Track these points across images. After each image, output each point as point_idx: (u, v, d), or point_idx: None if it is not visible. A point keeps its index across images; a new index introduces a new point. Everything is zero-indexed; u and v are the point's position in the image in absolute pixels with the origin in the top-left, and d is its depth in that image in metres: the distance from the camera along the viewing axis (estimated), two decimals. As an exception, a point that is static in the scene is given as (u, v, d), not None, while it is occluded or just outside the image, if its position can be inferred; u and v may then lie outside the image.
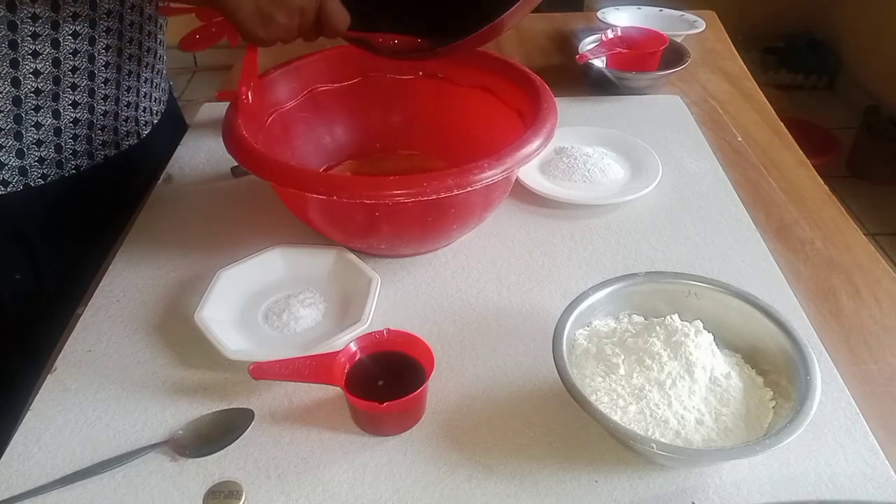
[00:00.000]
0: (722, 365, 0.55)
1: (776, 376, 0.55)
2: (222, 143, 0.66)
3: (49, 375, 0.60)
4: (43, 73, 0.71)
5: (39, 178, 0.76)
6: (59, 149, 0.76)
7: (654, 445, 0.48)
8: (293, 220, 0.73)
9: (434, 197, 0.59)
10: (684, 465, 0.53)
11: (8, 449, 0.55)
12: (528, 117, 0.70)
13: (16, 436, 0.56)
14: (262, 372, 0.54)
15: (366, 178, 0.63)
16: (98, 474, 0.52)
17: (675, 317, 0.57)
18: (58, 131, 0.75)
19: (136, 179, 0.87)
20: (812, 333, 0.63)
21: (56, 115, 0.74)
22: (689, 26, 1.20)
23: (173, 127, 0.98)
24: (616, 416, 0.52)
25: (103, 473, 0.52)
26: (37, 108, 0.73)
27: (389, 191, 0.58)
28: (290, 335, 0.63)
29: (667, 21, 1.21)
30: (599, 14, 1.22)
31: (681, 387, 0.52)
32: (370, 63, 0.82)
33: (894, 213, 2.19)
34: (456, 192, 0.59)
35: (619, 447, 0.54)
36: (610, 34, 1.08)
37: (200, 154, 0.91)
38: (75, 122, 0.76)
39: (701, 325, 0.56)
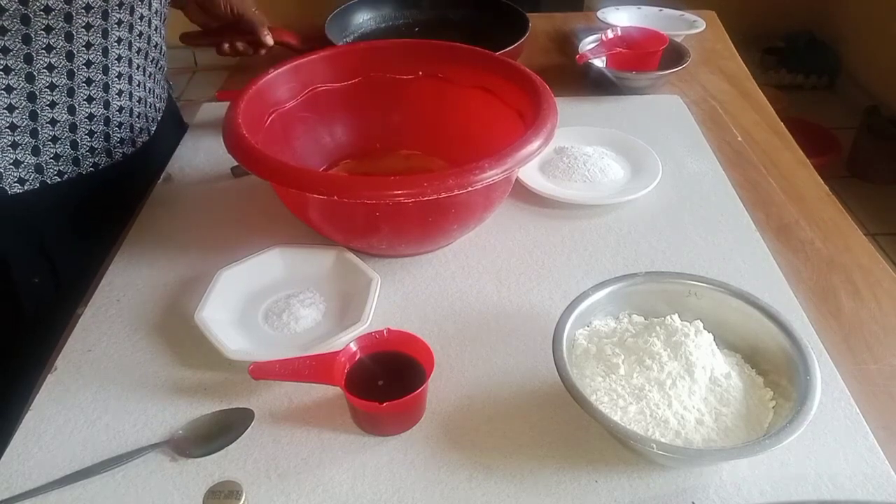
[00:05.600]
0: (722, 365, 0.55)
1: (776, 376, 0.55)
2: (222, 143, 0.66)
3: (49, 375, 0.61)
4: (57, 68, 0.71)
5: (56, 175, 0.76)
6: (74, 145, 0.76)
7: (654, 445, 0.48)
8: (293, 220, 0.73)
9: (434, 197, 0.59)
10: (684, 465, 0.53)
11: (8, 449, 0.55)
12: (528, 117, 0.70)
13: (16, 436, 0.56)
14: (262, 372, 0.54)
15: (366, 178, 0.63)
16: (98, 474, 0.52)
17: (675, 317, 0.57)
18: (73, 127, 0.75)
19: (145, 177, 0.87)
20: (812, 333, 0.63)
21: (71, 110, 0.74)
22: (689, 26, 1.20)
23: (174, 124, 0.98)
24: (616, 416, 0.52)
25: (103, 473, 0.52)
26: (52, 104, 0.72)
27: (390, 191, 0.58)
28: (290, 335, 0.63)
29: (667, 21, 1.21)
30: (599, 14, 1.22)
31: (681, 387, 0.53)
32: (370, 63, 0.82)
33: (894, 213, 2.19)
34: (456, 193, 0.59)
35: (619, 447, 0.54)
36: (610, 34, 1.08)
37: (200, 154, 0.91)
38: (91, 117, 0.76)
39: (701, 325, 0.56)
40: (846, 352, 0.63)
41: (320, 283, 0.68)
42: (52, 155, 0.75)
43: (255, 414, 0.56)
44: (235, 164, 0.84)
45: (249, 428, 0.55)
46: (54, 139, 0.74)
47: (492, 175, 0.60)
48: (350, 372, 0.55)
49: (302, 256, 0.70)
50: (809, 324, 0.64)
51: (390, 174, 0.58)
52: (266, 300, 0.67)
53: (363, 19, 1.18)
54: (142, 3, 0.78)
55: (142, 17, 0.79)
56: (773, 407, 0.53)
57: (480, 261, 0.73)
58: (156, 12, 0.82)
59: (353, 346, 0.56)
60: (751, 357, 0.57)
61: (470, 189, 0.59)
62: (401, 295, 0.69)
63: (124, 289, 0.70)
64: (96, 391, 0.59)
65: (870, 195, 2.25)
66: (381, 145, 0.86)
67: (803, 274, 0.71)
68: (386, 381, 0.55)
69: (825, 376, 0.55)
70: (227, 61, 1.11)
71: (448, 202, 0.63)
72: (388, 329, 0.57)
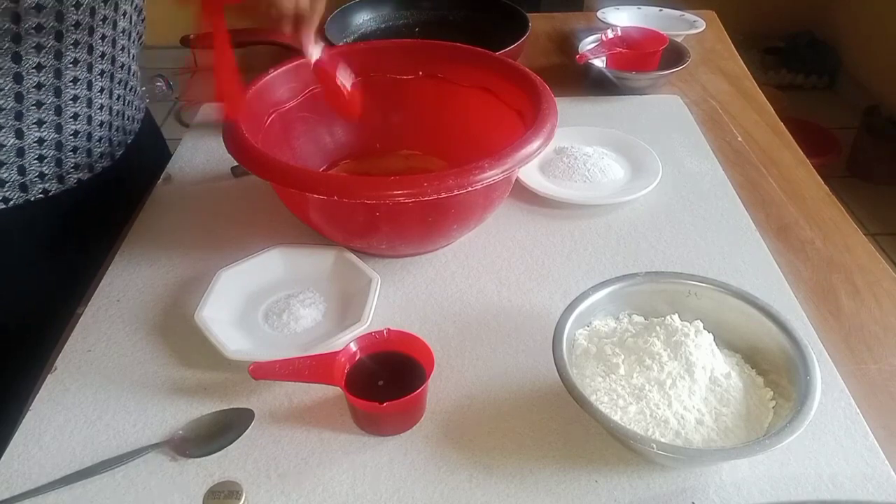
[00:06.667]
0: (722, 365, 0.55)
1: (776, 376, 0.55)
2: (222, 143, 0.66)
3: (49, 375, 0.61)
4: (4, 90, 0.67)
5: (0, 201, 0.72)
6: (22, 171, 0.72)
7: (654, 445, 0.48)
8: (293, 220, 0.73)
9: (434, 197, 0.59)
10: (684, 465, 0.53)
11: (8, 449, 0.55)
12: (528, 117, 0.70)
13: (16, 436, 0.56)
14: (262, 372, 0.54)
15: (366, 178, 0.63)
16: (98, 474, 0.52)
17: (675, 317, 0.57)
18: (21, 152, 0.71)
19: (110, 203, 0.83)
20: (812, 333, 0.63)
21: (19, 134, 0.70)
22: (689, 26, 1.20)
23: (153, 147, 0.94)
24: (616, 416, 0.52)
25: (103, 473, 0.52)
26: None
27: (389, 191, 0.58)
28: (290, 335, 0.63)
29: (667, 21, 1.21)
30: (599, 14, 1.22)
31: (681, 387, 0.53)
32: (370, 63, 0.82)
33: (894, 213, 2.19)
34: (456, 193, 0.59)
35: (619, 447, 0.54)
36: (610, 34, 1.08)
37: (200, 154, 0.91)
38: (40, 142, 0.72)
39: (701, 325, 0.56)
40: (846, 352, 0.63)
41: (320, 283, 0.68)
42: None
43: (255, 414, 0.56)
44: (235, 164, 0.85)
45: (249, 428, 0.55)
46: (0, 164, 0.70)
47: (492, 175, 0.60)
48: (350, 372, 0.55)
49: (302, 256, 0.70)
50: (809, 324, 0.64)
51: (390, 174, 0.59)
52: (266, 300, 0.67)
53: (363, 20, 1.18)
54: (104, 24, 0.73)
55: (104, 38, 0.74)
56: (773, 407, 0.53)
57: (480, 261, 0.73)
58: (122, 31, 0.77)
59: (353, 346, 0.56)
60: (751, 357, 0.57)
61: (470, 189, 0.59)
62: (401, 295, 0.69)
63: (124, 289, 0.70)
64: (96, 391, 0.59)
65: (870, 195, 2.24)
66: (381, 145, 0.86)
67: (803, 274, 0.71)
68: (386, 381, 0.55)
69: (825, 376, 0.55)
70: (226, 61, 1.10)
71: (448, 202, 0.63)
72: (388, 329, 0.57)
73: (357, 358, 0.56)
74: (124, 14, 0.77)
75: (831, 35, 2.85)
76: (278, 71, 0.77)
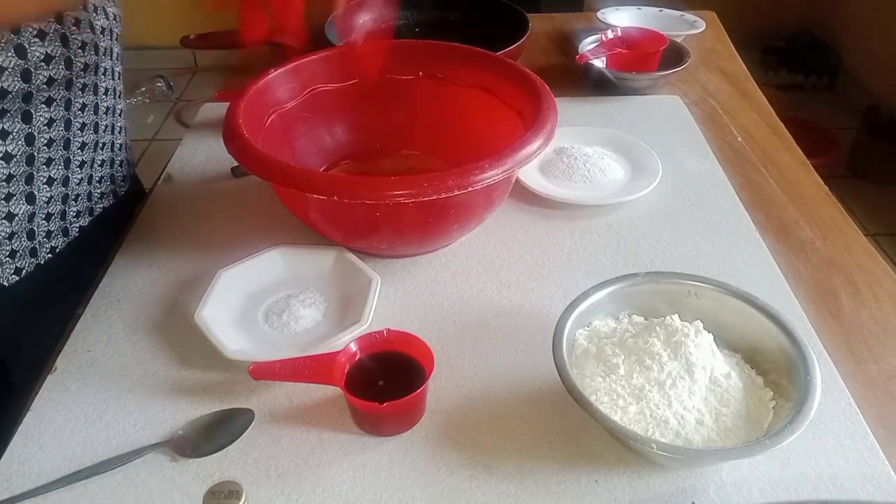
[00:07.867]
0: (722, 365, 0.55)
1: (776, 376, 0.55)
2: (222, 143, 0.66)
3: (49, 375, 0.60)
4: (16, 156, 0.63)
5: (13, 273, 0.68)
6: (31, 235, 0.68)
7: (654, 445, 0.48)
8: (293, 220, 0.73)
9: (434, 197, 0.59)
10: (684, 465, 0.53)
11: (8, 449, 0.55)
12: (528, 117, 0.70)
13: (16, 436, 0.56)
14: (262, 372, 0.54)
15: (366, 179, 0.63)
16: (98, 474, 0.52)
17: (675, 317, 0.57)
18: (31, 217, 0.67)
19: (113, 240, 0.77)
20: (812, 333, 0.63)
21: (31, 199, 0.66)
22: (689, 26, 1.20)
23: (137, 197, 0.87)
24: (616, 416, 0.52)
25: (103, 473, 0.52)
26: (7, 197, 0.64)
27: (390, 191, 0.58)
28: (290, 335, 0.63)
29: (667, 21, 1.21)
30: (599, 14, 1.22)
31: (681, 387, 0.53)
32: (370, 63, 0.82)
33: (894, 213, 2.19)
34: (456, 193, 0.59)
35: (619, 447, 0.54)
36: (610, 34, 1.08)
37: (200, 154, 0.91)
38: (50, 200, 0.68)
39: (701, 325, 0.56)
40: (846, 352, 0.63)
41: (320, 283, 0.68)
42: (6, 252, 0.66)
43: (255, 414, 0.56)
44: (235, 164, 0.85)
45: (249, 428, 0.55)
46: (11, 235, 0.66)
47: (492, 175, 0.60)
48: (350, 372, 0.55)
49: (302, 256, 0.70)
50: (809, 324, 0.64)
51: (390, 174, 0.59)
52: (266, 300, 0.67)
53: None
54: (105, 55, 0.70)
55: (106, 71, 0.71)
56: (773, 407, 0.53)
57: (480, 261, 0.73)
58: (117, 57, 0.75)
59: (353, 347, 0.56)
60: (751, 357, 0.57)
61: (470, 189, 0.59)
62: (401, 295, 0.69)
63: (124, 289, 0.70)
64: (96, 391, 0.59)
65: (870, 195, 2.24)
66: (381, 145, 0.86)
67: (803, 274, 0.71)
68: (386, 381, 0.55)
69: (825, 376, 0.55)
70: (226, 62, 1.10)
71: (448, 202, 0.63)
72: (388, 329, 0.57)
73: (357, 358, 0.56)
74: (117, 38, 0.74)
75: (831, 35, 2.85)
76: (278, 71, 0.77)
